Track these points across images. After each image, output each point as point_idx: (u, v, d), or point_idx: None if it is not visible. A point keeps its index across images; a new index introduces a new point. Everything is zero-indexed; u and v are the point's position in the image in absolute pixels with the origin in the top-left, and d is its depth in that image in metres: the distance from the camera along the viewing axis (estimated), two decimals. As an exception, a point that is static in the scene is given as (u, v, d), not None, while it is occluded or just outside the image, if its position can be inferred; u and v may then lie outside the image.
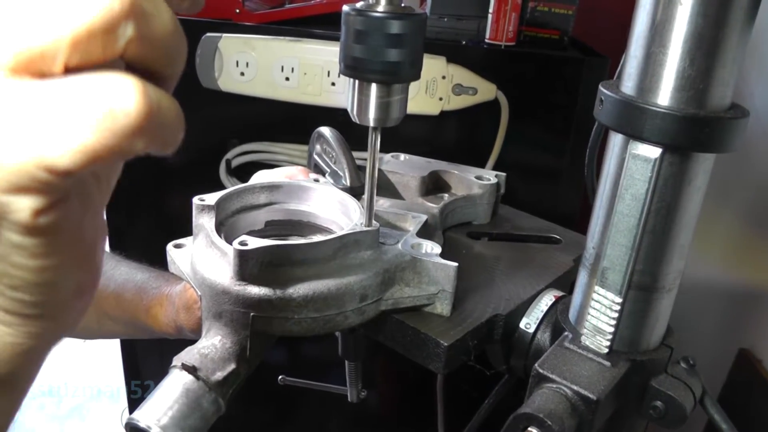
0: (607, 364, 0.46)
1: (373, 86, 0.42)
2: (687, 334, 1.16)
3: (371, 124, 0.43)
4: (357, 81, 0.42)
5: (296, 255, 0.44)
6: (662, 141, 0.41)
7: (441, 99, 0.99)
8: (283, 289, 0.44)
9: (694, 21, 0.38)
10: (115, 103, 0.22)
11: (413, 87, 0.99)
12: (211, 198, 0.50)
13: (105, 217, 0.31)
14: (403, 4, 0.42)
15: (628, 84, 0.43)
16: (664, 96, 0.41)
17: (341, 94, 1.01)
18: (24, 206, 0.24)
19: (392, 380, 1.33)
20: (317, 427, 1.37)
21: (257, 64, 1.01)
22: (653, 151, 0.41)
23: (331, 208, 0.53)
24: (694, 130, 0.40)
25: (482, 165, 1.04)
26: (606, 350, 0.47)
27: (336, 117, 1.02)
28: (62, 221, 0.26)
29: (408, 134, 1.05)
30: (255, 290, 0.44)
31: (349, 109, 0.44)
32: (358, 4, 0.41)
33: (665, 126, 0.40)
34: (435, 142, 1.07)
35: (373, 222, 0.47)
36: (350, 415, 1.32)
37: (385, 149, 1.04)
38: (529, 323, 0.53)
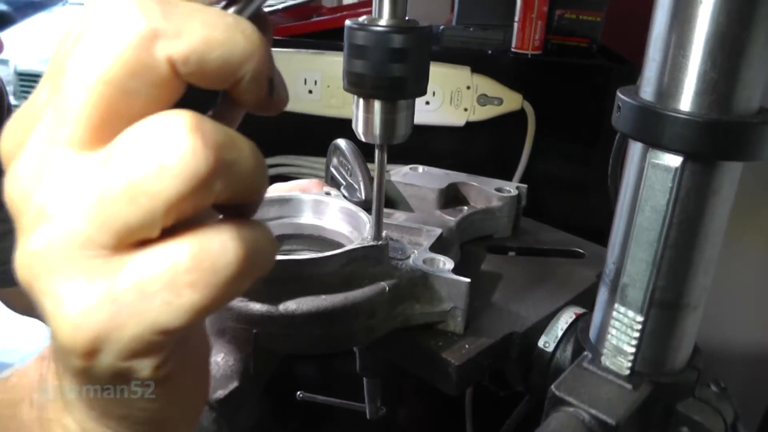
0: (628, 386, 0.44)
1: (377, 103, 0.41)
2: (728, 356, 1.12)
3: (377, 141, 0.42)
4: (361, 98, 0.41)
5: (301, 270, 0.43)
6: (683, 149, 0.38)
7: (466, 110, 0.98)
8: (286, 305, 0.42)
9: (716, 20, 0.36)
10: (217, 261, 0.24)
11: (437, 98, 0.98)
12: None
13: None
14: (407, 18, 0.40)
15: (647, 89, 0.40)
16: (685, 101, 0.38)
17: (364, 106, 0.99)
18: (145, 366, 0.25)
19: (422, 396, 1.30)
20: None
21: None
22: (674, 160, 0.39)
23: (342, 222, 0.52)
24: (718, 137, 0.37)
25: (510, 176, 1.02)
26: (627, 372, 0.44)
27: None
28: (179, 364, 0.27)
29: (434, 146, 1.04)
30: (257, 307, 0.43)
31: (353, 126, 0.42)
32: (361, 19, 0.40)
33: (686, 133, 0.38)
34: (461, 154, 1.05)
35: (383, 236, 0.46)
36: (378, 432, 1.30)
37: (411, 160, 1.03)
38: (548, 342, 0.51)
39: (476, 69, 0.97)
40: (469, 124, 0.99)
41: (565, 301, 0.53)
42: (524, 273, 0.57)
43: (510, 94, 0.96)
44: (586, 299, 0.56)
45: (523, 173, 1.02)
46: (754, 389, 1.15)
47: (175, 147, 0.23)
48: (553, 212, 1.10)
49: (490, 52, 1.02)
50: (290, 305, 0.42)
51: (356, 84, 0.40)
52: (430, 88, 0.98)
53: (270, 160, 1.11)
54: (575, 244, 0.64)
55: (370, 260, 0.45)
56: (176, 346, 0.26)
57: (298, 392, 0.78)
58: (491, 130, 1.01)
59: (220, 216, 0.27)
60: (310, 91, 1.01)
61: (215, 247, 0.24)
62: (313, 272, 0.43)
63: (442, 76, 0.96)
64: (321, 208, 0.53)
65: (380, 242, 0.45)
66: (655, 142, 0.39)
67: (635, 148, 0.42)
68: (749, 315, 1.14)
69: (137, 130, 0.23)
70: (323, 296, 0.43)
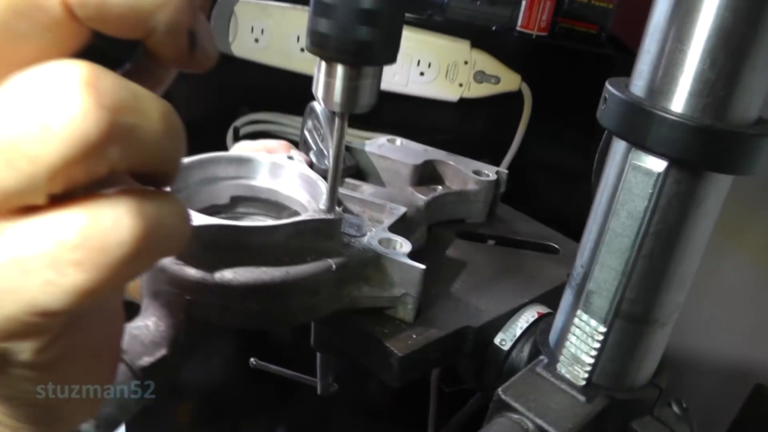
0: (582, 398, 0.41)
1: (340, 68, 0.37)
2: (700, 366, 1.10)
3: (337, 109, 0.38)
4: (323, 60, 0.37)
5: (243, 238, 0.40)
6: (668, 153, 0.35)
7: (461, 85, 0.93)
8: (222, 274, 0.39)
9: (721, 14, 0.32)
10: (108, 238, 0.20)
11: (432, 69, 0.94)
12: (170, 165, 0.46)
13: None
14: None
15: (638, 83, 0.37)
16: (678, 101, 0.35)
17: (357, 69, 0.95)
18: (25, 349, 0.23)
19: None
20: (314, 415, 1.33)
21: (272, 32, 0.97)
22: (657, 164, 0.36)
23: (301, 190, 0.48)
24: (708, 145, 0.34)
25: (501, 158, 0.98)
26: (583, 383, 0.42)
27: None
28: (70, 346, 0.24)
29: (423, 119, 1.00)
30: (192, 272, 0.39)
31: (313, 90, 0.39)
32: None
33: (674, 136, 0.34)
34: (451, 130, 1.01)
35: (337, 210, 0.42)
36: (347, 407, 1.28)
37: (396, 131, 0.99)
38: (504, 340, 0.48)
39: (477, 44, 0.93)
40: (462, 100, 0.95)
41: (530, 299, 0.50)
42: (491, 263, 0.54)
43: (508, 73, 0.92)
44: (553, 298, 0.53)
45: (513, 157, 0.98)
46: (726, 401, 1.14)
47: (63, 105, 0.19)
48: (544, 200, 1.07)
49: (494, 28, 0.98)
50: (226, 274, 0.39)
51: (319, 45, 0.36)
52: (425, 59, 0.94)
53: (256, 116, 1.07)
54: (551, 239, 0.60)
55: (319, 234, 0.42)
56: (66, 329, 0.23)
57: (251, 359, 0.75)
58: (485, 109, 0.97)
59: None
60: (302, 50, 0.96)
61: (108, 223, 0.21)
62: (256, 241, 0.40)
63: (439, 47, 0.92)
64: (279, 172, 0.49)
65: (333, 216, 0.42)
66: (638, 142, 0.36)
67: (618, 147, 0.39)
68: (728, 326, 1.12)
69: (22, 79, 0.20)
70: (264, 268, 0.40)
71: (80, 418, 0.30)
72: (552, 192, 1.06)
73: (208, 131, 1.10)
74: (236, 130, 1.08)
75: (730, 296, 1.07)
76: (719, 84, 0.33)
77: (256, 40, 0.98)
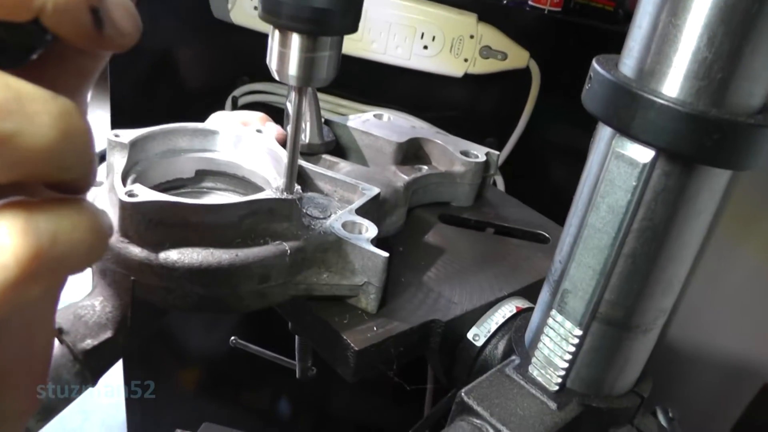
0: (553, 405, 0.38)
1: (296, 37, 0.33)
2: (706, 364, 1.06)
3: (292, 83, 0.35)
4: (277, 29, 0.34)
5: (192, 217, 0.37)
6: (656, 142, 0.31)
7: (466, 60, 0.89)
8: (167, 255, 0.36)
9: (722, -15, 0.28)
10: None
11: (436, 43, 0.90)
12: (127, 135, 0.42)
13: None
14: None
15: (627, 62, 0.33)
16: (670, 84, 0.31)
17: (358, 42, 0.91)
18: None
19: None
20: (315, 402, 1.31)
21: (273, -4, 0.93)
22: (643, 154, 0.32)
23: (268, 166, 0.45)
24: (701, 135, 0.30)
25: (507, 137, 0.94)
26: (555, 388, 0.38)
27: (347, 64, 0.93)
28: None
29: (428, 94, 0.96)
30: (136, 251, 0.36)
31: (267, 61, 0.35)
32: None
33: (662, 123, 0.30)
34: (457, 106, 0.97)
35: (296, 190, 0.39)
36: (346, 393, 1.26)
37: (397, 105, 0.95)
38: (477, 335, 0.44)
39: (484, 18, 0.88)
40: (467, 76, 0.90)
41: (510, 292, 0.47)
42: (472, 251, 0.50)
43: (516, 49, 0.88)
44: (537, 292, 0.49)
45: (520, 136, 0.94)
46: (731, 400, 1.10)
47: None
48: (550, 181, 1.03)
49: (504, 1, 0.93)
50: (171, 255, 0.36)
51: (271, 12, 0.32)
52: (429, 32, 0.90)
53: (255, 86, 1.03)
54: (543, 227, 0.56)
55: (275, 215, 0.38)
56: None
57: (232, 338, 0.73)
58: (492, 85, 0.93)
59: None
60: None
61: None
62: (205, 221, 0.37)
63: (444, 20, 0.88)
64: (245, 145, 0.46)
65: (290, 196, 0.38)
66: (622, 128, 0.32)
67: (603, 133, 0.35)
68: (736, 324, 1.08)
69: None
70: (212, 250, 0.37)
71: None
72: (559, 174, 1.02)
73: (206, 101, 1.07)
74: (235, 100, 1.04)
75: (739, 293, 1.02)
76: (717, 65, 0.29)
77: (256, 8, 0.94)
